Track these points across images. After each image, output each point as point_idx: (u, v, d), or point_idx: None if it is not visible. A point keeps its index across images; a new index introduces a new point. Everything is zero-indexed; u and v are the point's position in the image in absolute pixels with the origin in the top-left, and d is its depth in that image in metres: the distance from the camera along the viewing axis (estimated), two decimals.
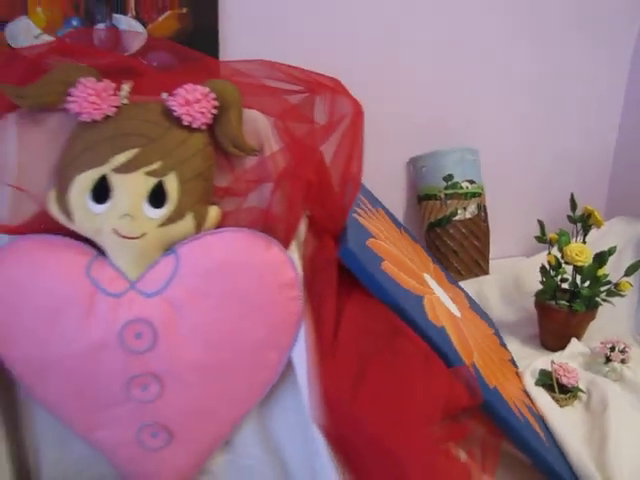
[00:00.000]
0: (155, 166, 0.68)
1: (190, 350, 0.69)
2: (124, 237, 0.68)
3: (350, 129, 0.77)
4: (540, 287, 1.12)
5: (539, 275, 1.12)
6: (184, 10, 1.15)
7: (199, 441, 0.74)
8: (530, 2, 1.25)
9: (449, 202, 1.26)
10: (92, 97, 0.67)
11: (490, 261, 1.31)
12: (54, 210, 0.68)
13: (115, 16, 1.13)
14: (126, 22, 1.13)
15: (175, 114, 0.69)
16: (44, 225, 0.70)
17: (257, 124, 0.75)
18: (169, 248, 0.70)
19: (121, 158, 0.67)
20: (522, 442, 0.73)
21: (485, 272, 1.30)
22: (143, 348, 0.68)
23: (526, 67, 1.31)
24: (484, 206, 1.31)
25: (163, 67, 0.96)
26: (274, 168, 0.75)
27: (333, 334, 0.69)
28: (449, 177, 1.25)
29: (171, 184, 0.68)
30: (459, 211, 1.27)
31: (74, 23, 1.10)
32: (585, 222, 1.11)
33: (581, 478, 0.76)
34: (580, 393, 0.94)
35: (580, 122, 1.39)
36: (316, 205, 0.76)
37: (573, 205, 1.14)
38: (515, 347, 1.07)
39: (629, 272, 1.03)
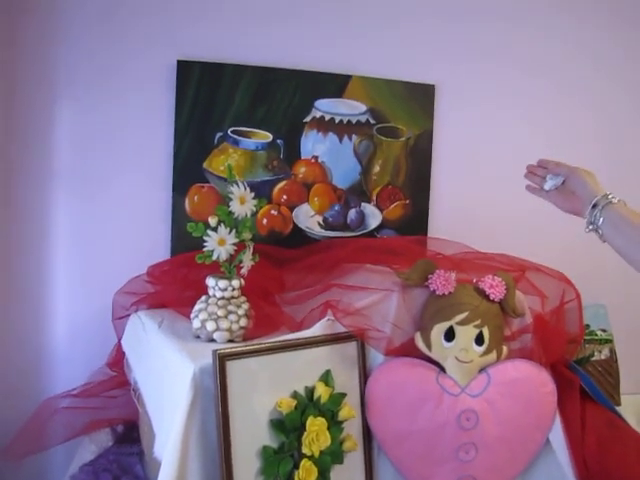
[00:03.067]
0: (477, 322, 1.22)
1: (495, 429, 1.19)
2: (461, 362, 1.20)
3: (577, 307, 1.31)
4: None
5: None
6: (407, 201, 1.76)
7: None
8: None
9: (587, 346, 1.75)
10: (444, 281, 1.23)
11: (621, 395, 1.75)
12: (419, 343, 1.22)
13: (362, 204, 1.73)
14: (369, 208, 1.73)
15: (486, 292, 1.24)
16: (409, 351, 1.23)
17: (520, 298, 1.30)
18: (482, 369, 1.22)
19: (460, 317, 1.21)
20: None
21: (617, 404, 1.75)
22: (470, 426, 1.18)
23: None
24: (614, 350, 1.80)
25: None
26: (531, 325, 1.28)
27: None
28: (587, 326, 1.74)
29: (486, 333, 1.22)
30: (595, 353, 1.76)
31: (336, 208, 1.71)
32: None
33: None
34: None
35: None
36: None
37: None
38: None
39: None
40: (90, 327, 1.59)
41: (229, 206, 1.20)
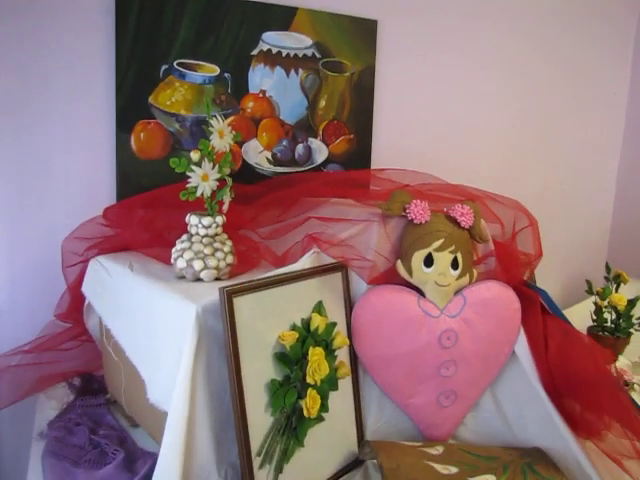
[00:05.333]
0: (452, 248, 1.28)
1: (472, 345, 1.28)
2: (440, 285, 1.27)
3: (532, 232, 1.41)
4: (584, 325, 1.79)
5: (580, 319, 1.79)
6: (352, 136, 1.79)
7: (469, 400, 1.32)
8: None
9: None
10: (421, 211, 1.28)
11: None
12: (401, 270, 1.27)
13: (309, 139, 1.74)
14: (316, 143, 1.75)
15: (457, 220, 1.31)
16: (390, 279, 1.28)
17: (483, 225, 1.39)
18: (458, 291, 1.30)
19: (437, 243, 1.27)
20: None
21: None
22: (450, 345, 1.26)
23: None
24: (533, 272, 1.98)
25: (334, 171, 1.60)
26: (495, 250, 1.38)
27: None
28: None
29: (460, 258, 1.29)
30: None
31: (284, 143, 1.71)
32: (617, 280, 1.81)
33: None
34: (636, 385, 1.59)
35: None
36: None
37: (608, 269, 1.84)
38: None
39: None
40: (32, 277, 1.47)
41: (209, 140, 1.15)
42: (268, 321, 1.09)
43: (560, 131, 2.20)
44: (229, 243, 1.19)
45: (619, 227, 2.33)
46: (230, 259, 1.18)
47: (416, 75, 1.85)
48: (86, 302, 1.37)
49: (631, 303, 1.74)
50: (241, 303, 1.04)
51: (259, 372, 1.07)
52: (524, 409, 1.32)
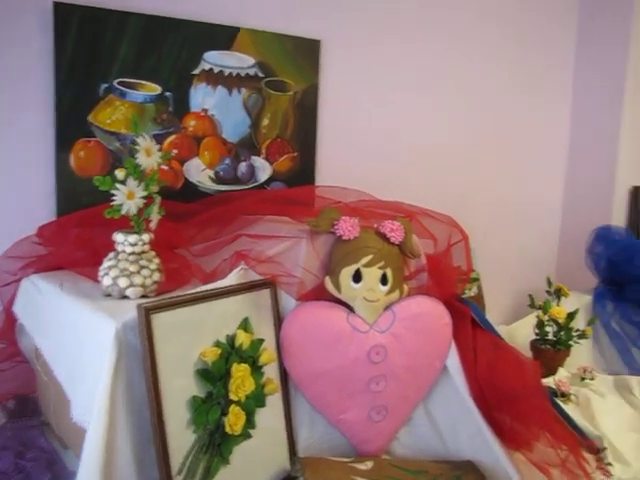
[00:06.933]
0: (381, 264, 1.30)
1: (402, 360, 1.29)
2: (369, 301, 1.29)
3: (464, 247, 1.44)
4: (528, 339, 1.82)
5: (525, 332, 1.82)
6: (295, 154, 1.81)
7: (400, 415, 1.33)
8: None
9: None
10: (350, 227, 1.30)
11: None
12: (329, 286, 1.28)
13: (253, 157, 1.76)
14: (259, 161, 1.77)
15: (387, 236, 1.33)
16: (319, 295, 1.29)
17: (415, 241, 1.41)
18: (388, 307, 1.32)
19: (365, 259, 1.29)
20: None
21: None
22: (379, 360, 1.28)
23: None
24: (481, 287, 2.01)
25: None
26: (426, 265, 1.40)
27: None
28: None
29: (389, 273, 1.31)
30: (466, 291, 1.96)
31: (227, 162, 1.73)
32: (558, 294, 1.84)
33: (585, 429, 1.43)
34: (572, 396, 1.62)
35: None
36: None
37: (549, 283, 1.87)
38: None
39: (590, 323, 1.76)
40: None
41: (135, 158, 1.16)
42: (190, 338, 1.09)
43: (505, 151, 2.24)
44: (156, 261, 1.20)
45: (566, 242, 2.38)
46: (157, 276, 1.19)
47: (359, 93, 1.88)
48: (18, 322, 1.36)
49: (570, 316, 1.77)
50: (160, 320, 1.04)
51: (180, 389, 1.07)
52: (457, 423, 1.34)
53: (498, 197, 2.21)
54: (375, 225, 1.34)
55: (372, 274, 1.28)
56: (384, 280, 1.30)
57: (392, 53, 1.91)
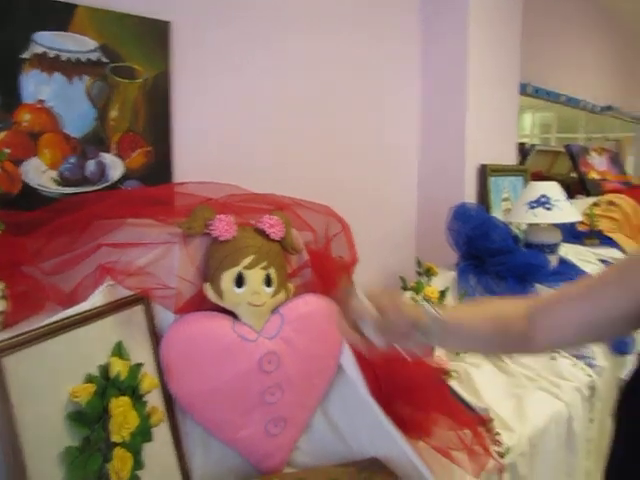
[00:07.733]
0: (264, 264, 1.20)
1: (296, 365, 1.21)
2: (254, 306, 1.18)
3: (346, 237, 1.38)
4: None
5: None
6: (149, 148, 1.66)
7: (299, 424, 1.25)
8: None
9: None
10: (226, 226, 1.18)
11: None
12: (210, 294, 1.16)
13: (101, 154, 1.58)
14: (110, 158, 1.59)
15: (266, 232, 1.23)
16: (199, 305, 1.16)
17: (295, 235, 1.33)
18: (274, 310, 1.22)
19: (247, 260, 1.19)
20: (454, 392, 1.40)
21: None
22: (272, 369, 1.19)
23: None
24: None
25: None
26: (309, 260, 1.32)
27: None
28: None
29: (273, 273, 1.21)
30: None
31: (72, 160, 1.53)
32: (428, 273, 1.86)
33: (474, 405, 1.45)
34: (454, 372, 1.65)
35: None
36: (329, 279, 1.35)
37: (419, 263, 1.89)
38: None
39: (460, 298, 1.80)
40: None
41: None
42: (55, 377, 0.92)
43: (360, 136, 2.22)
44: (0, 286, 0.99)
45: (423, 223, 2.44)
46: (2, 305, 0.98)
47: (217, 79, 1.74)
48: None
49: (442, 294, 1.80)
50: (13, 362, 0.86)
51: (48, 441, 0.89)
52: (356, 420, 1.28)
53: (356, 181, 2.18)
54: (252, 222, 1.23)
55: (255, 276, 1.18)
56: (268, 281, 1.20)
57: (249, 33, 1.79)
